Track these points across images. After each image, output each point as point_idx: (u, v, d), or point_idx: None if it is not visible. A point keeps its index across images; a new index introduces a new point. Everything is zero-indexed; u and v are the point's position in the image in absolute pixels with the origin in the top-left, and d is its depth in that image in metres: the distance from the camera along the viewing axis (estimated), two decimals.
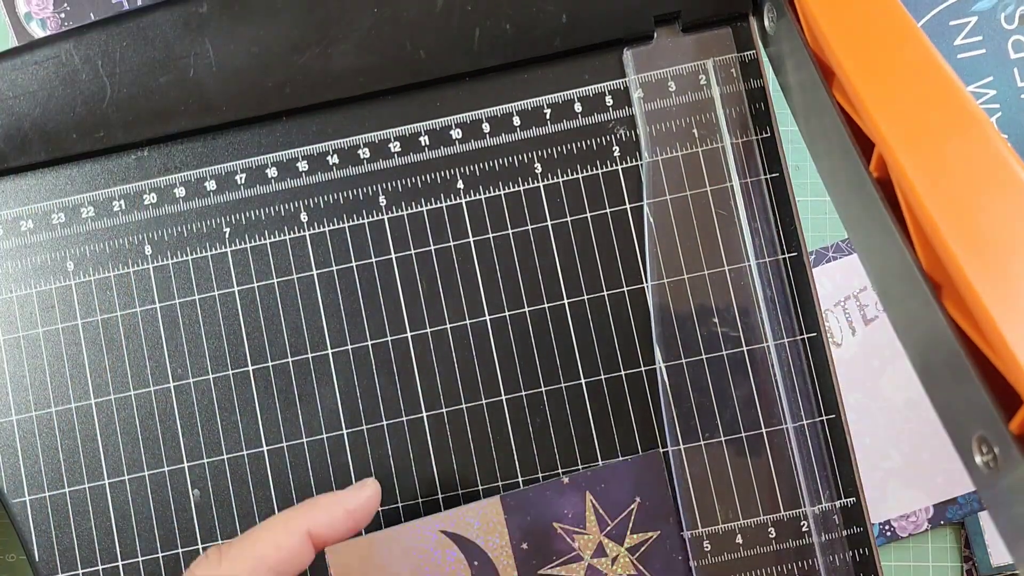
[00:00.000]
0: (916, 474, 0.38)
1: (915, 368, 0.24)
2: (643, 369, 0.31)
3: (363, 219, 0.31)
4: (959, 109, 0.23)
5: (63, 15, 0.34)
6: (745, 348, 0.31)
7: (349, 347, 0.31)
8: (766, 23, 0.30)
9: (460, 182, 0.31)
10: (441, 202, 0.31)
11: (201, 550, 0.31)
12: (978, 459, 0.22)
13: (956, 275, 0.21)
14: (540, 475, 0.31)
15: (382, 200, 0.31)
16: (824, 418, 0.31)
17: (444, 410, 0.31)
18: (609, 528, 0.30)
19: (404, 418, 0.31)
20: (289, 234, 0.31)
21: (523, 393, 0.31)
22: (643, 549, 0.30)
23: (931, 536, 0.42)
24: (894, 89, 0.24)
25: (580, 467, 0.31)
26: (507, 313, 0.31)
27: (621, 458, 0.31)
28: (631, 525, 0.30)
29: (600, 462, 0.31)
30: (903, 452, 0.36)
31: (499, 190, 0.31)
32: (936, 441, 0.40)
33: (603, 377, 0.31)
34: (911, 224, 0.23)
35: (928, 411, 0.38)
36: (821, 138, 0.28)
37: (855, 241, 0.27)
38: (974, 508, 0.40)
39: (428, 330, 0.31)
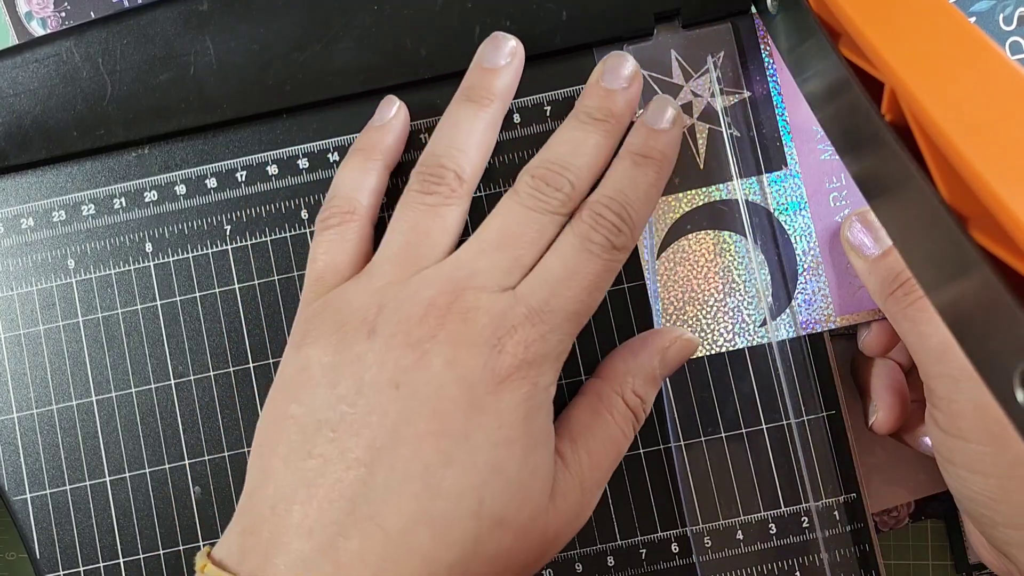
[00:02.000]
0: (898, 471, 0.38)
1: (945, 319, 0.23)
2: None
3: None
4: (970, 40, 0.23)
5: (64, 14, 0.34)
6: (746, 345, 0.31)
7: None
8: (768, 2, 0.30)
9: None
10: None
11: (203, 547, 0.31)
12: (1020, 396, 0.20)
13: (988, 199, 0.21)
14: None
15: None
16: (825, 414, 0.31)
17: None
18: None
19: None
20: (290, 231, 0.31)
21: None
22: None
23: (928, 531, 0.42)
24: (903, 29, 0.24)
25: None
26: None
27: None
28: None
29: None
30: (886, 449, 0.36)
31: (500, 188, 0.31)
32: None
33: None
34: (930, 159, 0.23)
35: None
36: (829, 98, 0.27)
37: (869, 196, 0.26)
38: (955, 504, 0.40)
39: None
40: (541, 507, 0.26)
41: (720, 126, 0.31)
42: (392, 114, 0.30)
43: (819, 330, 0.31)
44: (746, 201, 0.31)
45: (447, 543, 0.24)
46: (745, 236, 0.31)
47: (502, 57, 0.30)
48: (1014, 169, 0.21)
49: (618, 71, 0.29)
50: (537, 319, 0.26)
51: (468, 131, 0.29)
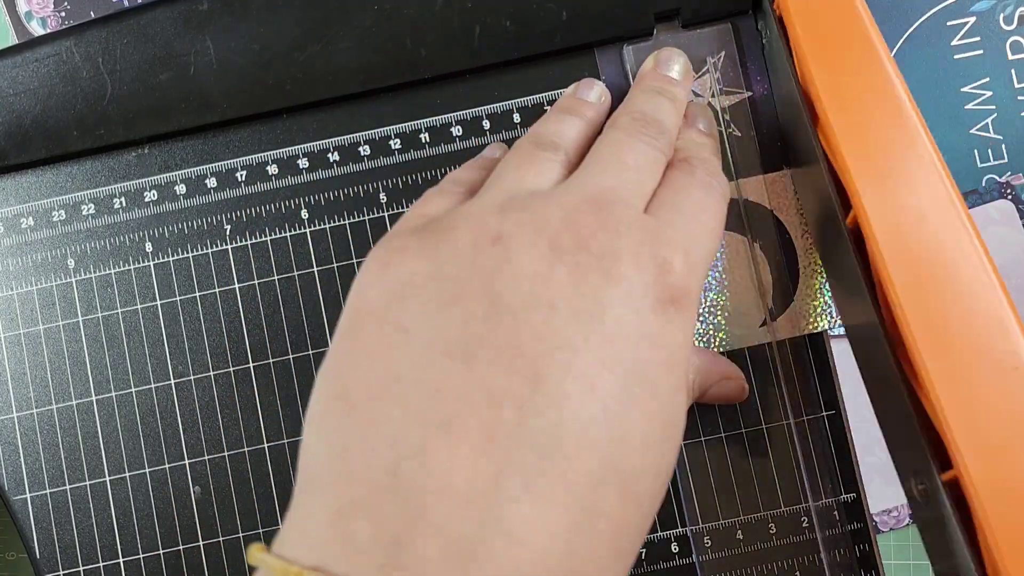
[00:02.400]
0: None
1: (878, 419, 0.28)
2: None
3: (364, 216, 0.31)
4: (938, 196, 0.25)
5: (64, 13, 0.34)
6: (746, 345, 0.31)
7: None
8: (762, 38, 0.30)
9: None
10: None
11: (202, 547, 0.31)
12: (916, 492, 0.25)
13: (912, 351, 0.24)
14: None
15: (383, 197, 0.31)
16: (825, 414, 0.31)
17: None
18: None
19: None
20: (290, 231, 0.31)
21: None
22: None
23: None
24: (875, 161, 0.26)
25: None
26: None
27: None
28: None
29: None
30: (886, 449, 0.37)
31: None
32: None
33: None
34: (876, 282, 0.25)
35: None
36: (804, 174, 0.29)
37: (830, 281, 0.30)
38: None
39: None
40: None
41: (720, 126, 0.31)
42: (595, 95, 0.29)
43: (819, 330, 0.31)
44: (746, 201, 0.31)
45: (635, 508, 0.20)
46: (745, 236, 0.31)
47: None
48: (941, 327, 0.24)
49: (671, 62, 0.30)
50: (686, 248, 0.22)
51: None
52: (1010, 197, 0.35)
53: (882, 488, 0.38)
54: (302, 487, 0.20)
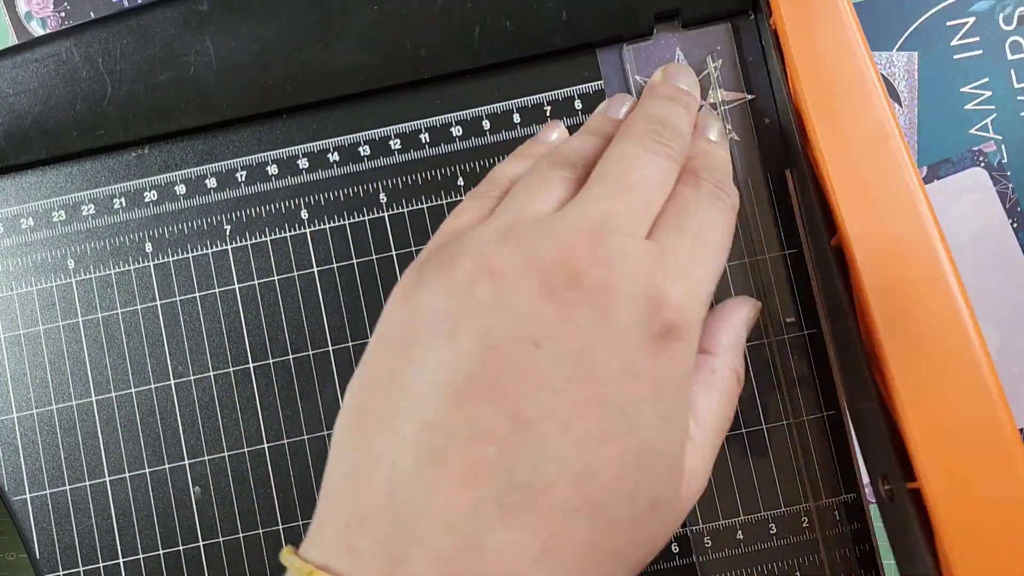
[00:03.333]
0: None
1: (853, 423, 0.29)
2: None
3: (364, 216, 0.31)
4: (923, 242, 0.26)
5: (63, 14, 0.34)
6: (746, 345, 0.31)
7: (350, 344, 0.31)
8: (761, 40, 0.31)
9: (460, 179, 0.31)
10: (442, 199, 0.31)
11: (202, 547, 0.31)
12: (882, 490, 0.27)
13: (885, 369, 0.26)
14: None
15: (383, 197, 0.31)
16: (825, 414, 0.31)
17: None
18: None
19: None
20: (290, 231, 0.31)
21: None
22: None
23: None
24: (855, 174, 0.27)
25: None
26: None
27: None
28: None
29: None
30: None
31: None
32: None
33: None
34: (858, 308, 0.27)
35: None
36: (796, 186, 0.31)
37: (817, 291, 0.31)
38: None
39: None
40: (682, 484, 0.23)
41: None
42: (555, 138, 0.29)
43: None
44: (746, 201, 0.31)
45: (607, 531, 0.21)
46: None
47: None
48: (913, 353, 0.25)
49: (679, 74, 0.29)
50: (687, 274, 0.22)
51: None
52: (983, 165, 0.35)
53: None
54: (323, 497, 0.22)
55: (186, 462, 0.31)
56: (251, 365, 0.31)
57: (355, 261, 0.31)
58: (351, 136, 0.32)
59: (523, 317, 0.21)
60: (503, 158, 0.31)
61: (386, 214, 0.31)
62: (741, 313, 0.27)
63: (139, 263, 0.32)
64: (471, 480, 0.20)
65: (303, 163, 0.32)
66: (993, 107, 0.36)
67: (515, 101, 0.31)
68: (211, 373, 0.31)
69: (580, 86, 0.32)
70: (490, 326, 0.21)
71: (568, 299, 0.21)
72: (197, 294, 0.31)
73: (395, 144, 0.32)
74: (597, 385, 0.21)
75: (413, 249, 0.31)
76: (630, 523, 0.21)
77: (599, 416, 0.21)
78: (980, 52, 0.36)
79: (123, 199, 0.32)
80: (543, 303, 0.21)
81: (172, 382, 0.31)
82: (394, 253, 0.31)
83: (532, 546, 0.20)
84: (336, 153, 0.32)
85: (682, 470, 0.23)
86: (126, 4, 0.34)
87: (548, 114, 0.31)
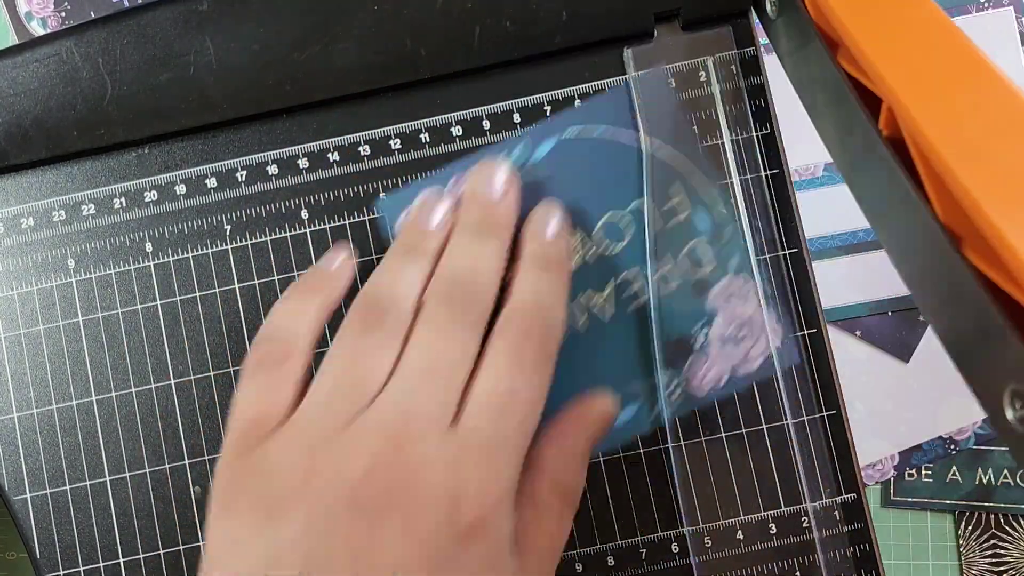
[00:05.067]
0: (880, 424, 0.39)
1: (937, 331, 0.24)
2: None
3: (364, 216, 0.31)
4: (969, 59, 0.23)
5: (64, 14, 0.34)
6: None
7: None
8: (768, 6, 0.30)
9: None
10: None
11: (202, 547, 0.31)
12: (1010, 414, 0.21)
13: (978, 220, 0.20)
14: None
15: (383, 197, 0.31)
16: (825, 414, 0.31)
17: None
18: None
19: None
20: (290, 231, 0.31)
21: None
22: None
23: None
24: (901, 45, 0.24)
25: None
26: None
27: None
28: None
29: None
30: (867, 403, 0.37)
31: None
32: (898, 392, 0.42)
33: None
34: (926, 177, 0.23)
35: (891, 364, 0.40)
36: (827, 108, 0.27)
37: (866, 208, 0.26)
38: (938, 454, 0.41)
39: None
40: None
41: (720, 128, 0.31)
42: (337, 264, 0.29)
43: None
44: (746, 202, 0.31)
45: None
46: (744, 239, 0.31)
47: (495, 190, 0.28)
48: (1007, 192, 0.20)
49: (492, 180, 0.29)
50: (489, 457, 0.24)
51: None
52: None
53: (865, 442, 0.39)
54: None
55: (186, 462, 0.31)
56: None
57: (355, 261, 0.31)
58: (351, 136, 0.32)
59: (338, 541, 0.22)
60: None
61: (386, 214, 0.31)
62: (578, 422, 0.27)
63: (139, 263, 0.32)
64: None
65: (303, 163, 0.32)
66: None
67: (515, 101, 0.31)
68: (211, 373, 0.31)
69: (580, 86, 0.32)
70: (310, 552, 0.22)
71: (378, 510, 0.22)
72: (197, 294, 0.31)
73: (395, 144, 0.32)
74: None
75: None
76: None
77: None
78: None
79: (123, 199, 0.32)
80: (355, 524, 0.22)
81: (172, 382, 0.31)
82: None
83: None
84: (336, 153, 0.32)
85: None
86: (126, 4, 0.34)
87: (548, 114, 0.31)
